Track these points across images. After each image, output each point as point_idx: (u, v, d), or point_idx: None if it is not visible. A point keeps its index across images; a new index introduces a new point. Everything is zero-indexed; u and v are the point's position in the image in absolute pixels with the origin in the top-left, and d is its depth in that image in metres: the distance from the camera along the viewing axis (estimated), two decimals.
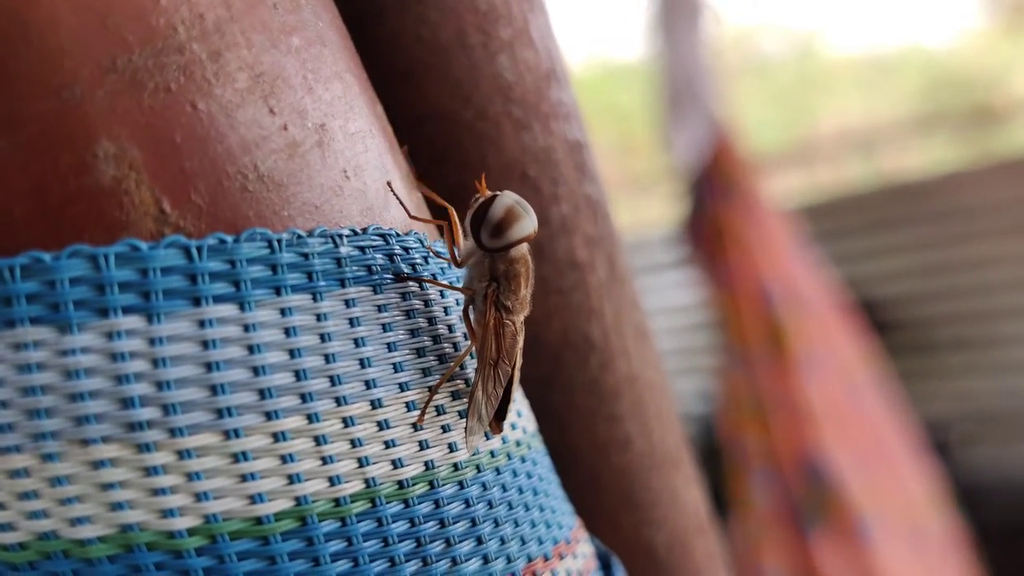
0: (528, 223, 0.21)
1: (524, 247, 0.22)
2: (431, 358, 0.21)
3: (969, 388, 2.08)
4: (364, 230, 0.20)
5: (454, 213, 0.22)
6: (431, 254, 0.22)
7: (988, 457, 2.02)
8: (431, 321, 0.21)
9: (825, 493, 1.19)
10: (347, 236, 0.19)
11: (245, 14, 0.19)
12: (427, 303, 0.21)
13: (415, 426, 0.20)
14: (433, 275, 0.21)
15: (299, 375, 0.18)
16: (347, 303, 0.19)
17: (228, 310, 0.18)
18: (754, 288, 1.33)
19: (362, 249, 0.20)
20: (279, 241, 0.18)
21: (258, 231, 0.18)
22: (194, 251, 0.17)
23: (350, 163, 0.20)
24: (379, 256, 0.20)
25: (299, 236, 0.18)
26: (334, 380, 0.19)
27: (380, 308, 0.20)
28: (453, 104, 0.28)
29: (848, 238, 2.22)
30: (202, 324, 0.17)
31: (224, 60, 0.18)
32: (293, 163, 0.19)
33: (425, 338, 0.21)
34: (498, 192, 0.21)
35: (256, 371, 0.18)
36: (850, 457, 1.20)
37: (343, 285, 0.19)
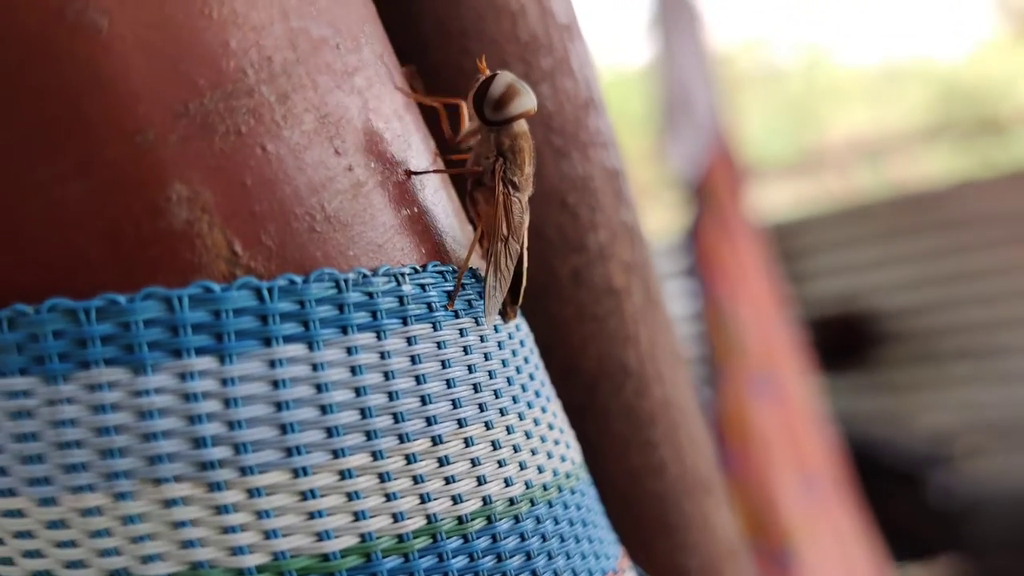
0: (528, 98, 0.22)
1: (525, 124, 0.23)
2: (487, 393, 0.21)
3: (974, 399, 2.08)
4: (424, 267, 0.20)
5: (461, 103, 0.23)
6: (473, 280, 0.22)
7: (993, 468, 2.02)
8: (486, 357, 0.21)
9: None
10: (409, 274, 0.20)
11: (310, 56, 0.19)
12: (482, 338, 0.21)
13: (474, 461, 0.20)
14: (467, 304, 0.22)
15: (364, 413, 0.18)
16: (409, 341, 0.19)
17: (297, 350, 0.18)
18: (722, 303, 1.36)
19: (423, 287, 0.20)
20: (346, 281, 0.18)
21: (326, 271, 0.18)
22: (265, 292, 0.18)
23: (409, 200, 0.20)
24: (437, 294, 0.20)
25: (364, 275, 0.19)
26: (397, 417, 0.19)
27: (439, 345, 0.20)
28: None
29: (854, 248, 2.22)
30: (272, 364, 0.18)
31: (292, 102, 0.18)
32: (358, 203, 0.19)
33: (480, 374, 0.21)
34: (497, 71, 0.22)
35: (324, 409, 0.18)
36: (788, 484, 1.24)
37: (405, 323, 0.19)
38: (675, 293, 1.88)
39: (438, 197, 0.22)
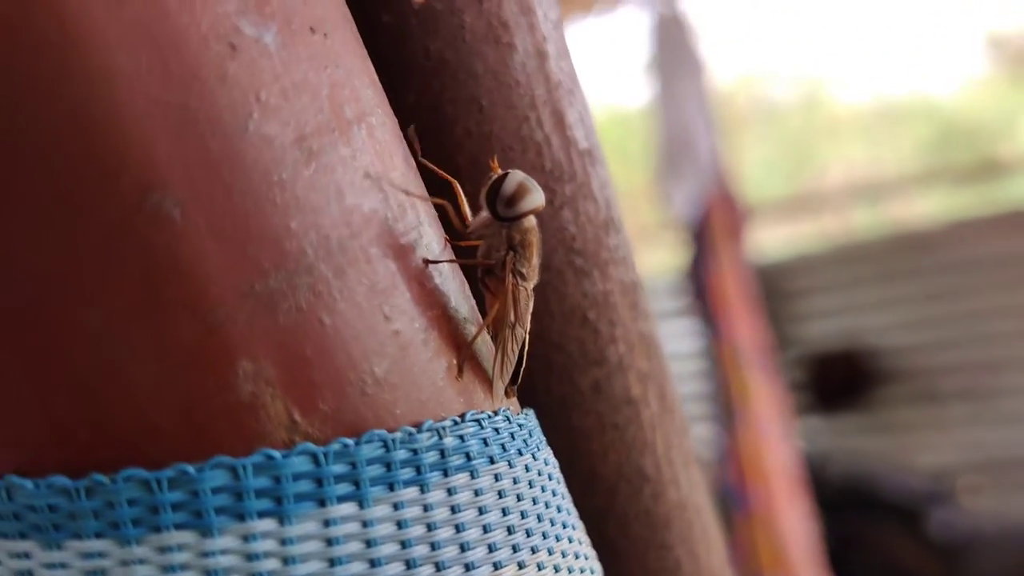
0: (538, 195, 0.24)
1: (533, 220, 0.25)
2: (519, 534, 0.22)
3: (974, 438, 2.08)
4: (462, 417, 0.22)
5: (457, 185, 0.25)
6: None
7: (993, 507, 2.02)
8: (519, 498, 0.23)
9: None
10: (449, 427, 0.21)
11: (363, 230, 0.20)
12: (515, 480, 0.23)
13: None
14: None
15: (409, 564, 0.20)
16: (449, 491, 0.21)
17: (349, 509, 0.19)
18: (735, 342, 1.38)
19: (462, 438, 0.21)
20: (393, 440, 0.20)
21: (376, 433, 0.20)
22: (321, 457, 0.19)
23: (451, 352, 0.22)
24: (475, 442, 0.22)
25: (410, 433, 0.20)
26: (439, 566, 0.20)
27: (477, 492, 0.21)
28: None
29: (854, 288, 2.23)
30: (327, 523, 0.19)
31: (347, 276, 0.20)
32: (404, 363, 0.21)
33: (513, 515, 0.22)
34: (509, 170, 0.24)
35: (373, 563, 0.19)
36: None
37: (446, 475, 0.21)
38: (679, 331, 1.89)
39: (481, 344, 0.23)
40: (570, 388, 0.31)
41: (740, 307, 1.42)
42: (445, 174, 0.25)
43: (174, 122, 0.18)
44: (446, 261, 0.23)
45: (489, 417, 0.22)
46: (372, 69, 0.23)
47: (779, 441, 1.38)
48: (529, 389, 0.30)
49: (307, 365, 0.19)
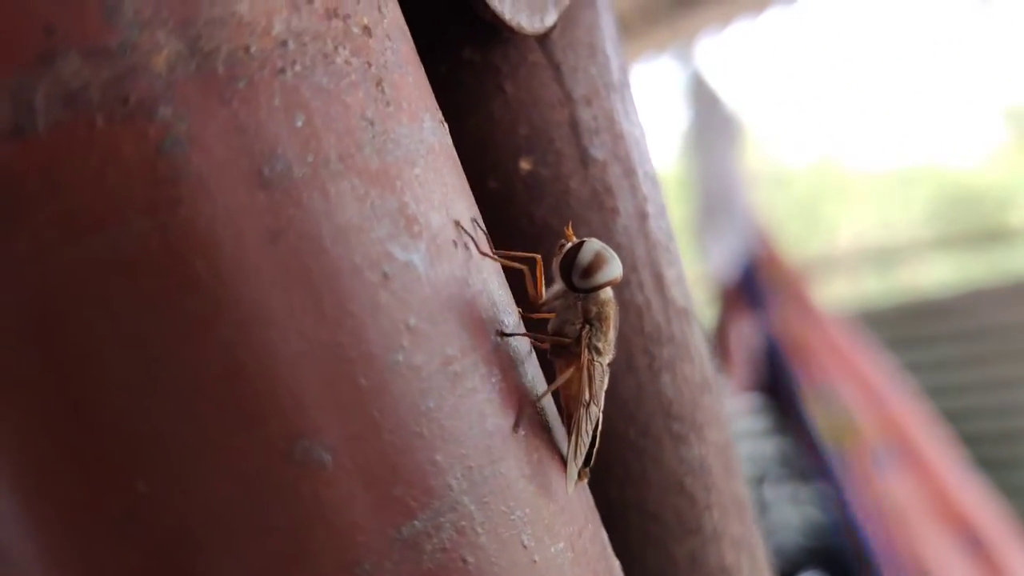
0: (616, 266, 0.22)
1: (610, 291, 0.23)
2: None
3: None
4: None
5: (539, 259, 0.23)
6: None
7: None
8: None
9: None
10: None
11: (504, 453, 0.19)
12: None
13: None
14: None
15: None
16: None
17: None
18: (819, 388, 1.34)
19: None
20: None
21: None
22: None
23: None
24: None
25: None
26: None
27: None
28: (619, 423, 0.29)
29: None
30: None
31: (488, 507, 0.19)
32: None
33: None
34: (585, 239, 0.22)
35: None
36: (942, 549, 1.21)
37: None
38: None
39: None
40: (666, 560, 0.30)
41: (835, 347, 1.38)
42: (524, 255, 0.23)
43: (326, 362, 0.17)
44: (520, 335, 0.21)
45: None
46: (500, 267, 0.22)
47: (940, 463, 1.31)
48: (626, 561, 0.28)
49: None
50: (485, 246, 0.21)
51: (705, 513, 0.30)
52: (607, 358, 0.23)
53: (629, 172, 0.29)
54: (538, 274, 0.23)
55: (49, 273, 0.16)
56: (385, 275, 0.18)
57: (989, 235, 2.40)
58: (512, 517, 0.19)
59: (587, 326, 0.23)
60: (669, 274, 0.30)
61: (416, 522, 0.18)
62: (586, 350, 0.22)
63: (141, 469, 0.16)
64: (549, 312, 0.23)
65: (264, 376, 0.17)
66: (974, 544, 1.23)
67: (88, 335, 0.16)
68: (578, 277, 0.22)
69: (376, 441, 0.18)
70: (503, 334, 0.21)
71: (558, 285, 0.23)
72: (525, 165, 0.27)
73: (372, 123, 0.18)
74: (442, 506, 0.18)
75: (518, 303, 0.23)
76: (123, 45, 0.16)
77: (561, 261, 0.22)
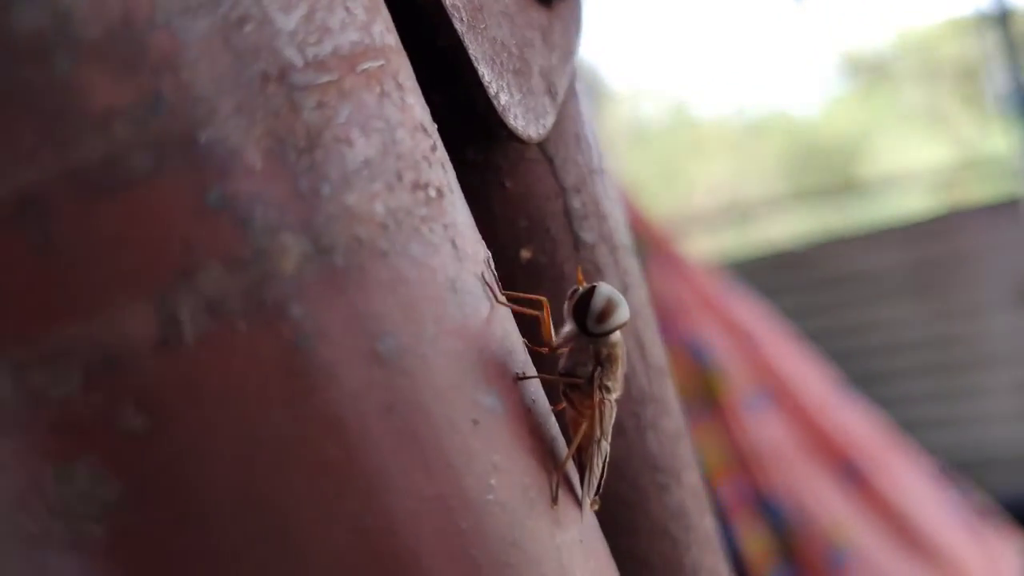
0: (625, 310, 0.24)
1: (619, 334, 0.24)
2: None
3: None
4: None
5: (547, 304, 0.25)
6: None
7: None
8: None
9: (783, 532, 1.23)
10: None
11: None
12: None
13: None
14: None
15: None
16: None
17: None
18: (679, 344, 1.35)
19: None
20: None
21: None
22: None
23: None
24: None
25: None
26: None
27: None
28: (611, 479, 0.31)
29: None
30: None
31: None
32: None
33: None
34: (596, 284, 0.24)
35: None
36: (819, 486, 1.24)
37: None
38: None
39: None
40: None
41: (705, 298, 1.39)
42: (533, 298, 0.24)
43: (434, 515, 0.19)
44: (534, 376, 0.23)
45: None
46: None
47: (819, 399, 1.33)
48: None
49: None
50: (500, 294, 0.22)
51: (686, 553, 0.33)
52: (615, 395, 0.25)
53: (613, 249, 0.31)
54: (546, 318, 0.25)
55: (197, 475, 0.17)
56: (475, 422, 0.20)
57: (840, 187, 2.53)
58: None
59: (599, 367, 0.24)
60: (647, 337, 0.33)
61: None
62: (598, 390, 0.24)
63: None
64: (559, 351, 0.25)
65: (389, 538, 0.18)
66: (850, 472, 1.28)
67: (239, 531, 0.17)
68: (592, 322, 0.23)
69: None
70: (519, 377, 0.22)
71: (569, 327, 0.24)
72: (525, 254, 0.29)
73: (454, 282, 0.20)
74: None
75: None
76: (256, 252, 0.17)
77: (575, 306, 0.24)
